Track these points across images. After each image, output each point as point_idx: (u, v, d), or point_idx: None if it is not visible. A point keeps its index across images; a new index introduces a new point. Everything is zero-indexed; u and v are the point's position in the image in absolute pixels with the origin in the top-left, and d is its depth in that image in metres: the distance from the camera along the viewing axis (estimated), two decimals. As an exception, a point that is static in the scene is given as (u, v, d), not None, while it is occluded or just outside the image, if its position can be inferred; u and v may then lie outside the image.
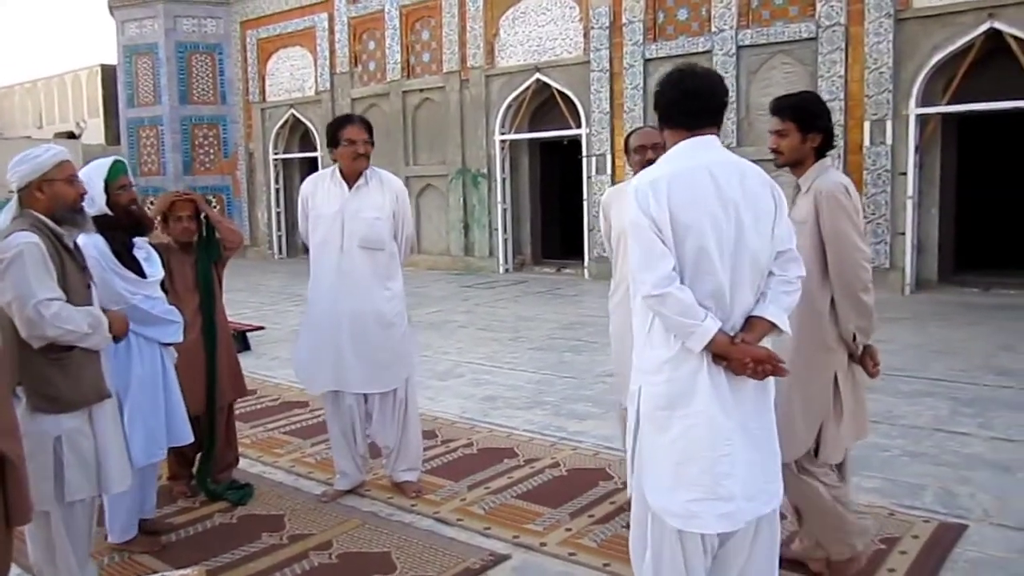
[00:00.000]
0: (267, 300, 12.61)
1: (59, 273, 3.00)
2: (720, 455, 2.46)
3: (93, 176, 3.59)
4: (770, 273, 2.57)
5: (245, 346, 8.48)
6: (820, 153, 3.27)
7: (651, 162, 3.76)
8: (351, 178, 4.34)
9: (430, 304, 11.80)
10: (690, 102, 2.56)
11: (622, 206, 3.98)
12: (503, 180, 15.77)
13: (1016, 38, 10.43)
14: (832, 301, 3.17)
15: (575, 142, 14.83)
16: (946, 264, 12.12)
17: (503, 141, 15.64)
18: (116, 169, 3.65)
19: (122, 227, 3.65)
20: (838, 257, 3.13)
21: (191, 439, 3.93)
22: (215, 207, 19.70)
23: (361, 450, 4.47)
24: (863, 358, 3.27)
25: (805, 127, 3.23)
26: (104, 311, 3.15)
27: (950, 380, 6.66)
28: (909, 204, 11.37)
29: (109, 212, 3.60)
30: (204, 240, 4.40)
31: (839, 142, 11.61)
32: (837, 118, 11.60)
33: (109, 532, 3.76)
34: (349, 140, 4.26)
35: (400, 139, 17.06)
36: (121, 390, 3.54)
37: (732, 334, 2.46)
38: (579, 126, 14.34)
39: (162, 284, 3.87)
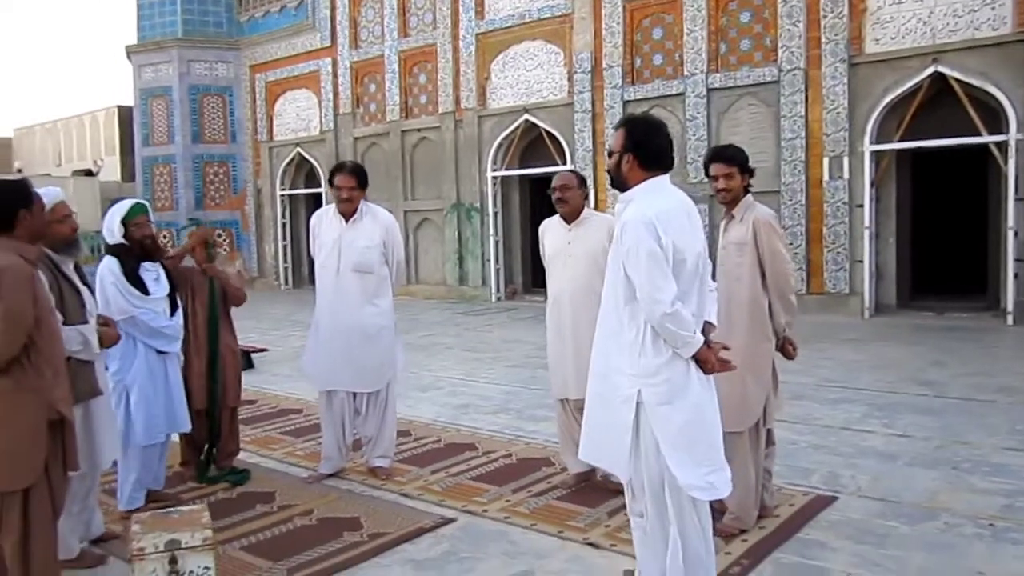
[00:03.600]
0: (272, 326, 13.51)
1: (57, 295, 3.72)
2: (715, 433, 3.19)
3: (115, 213, 4.59)
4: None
5: (249, 364, 9.36)
6: (745, 191, 4.28)
7: (559, 200, 4.78)
8: (346, 215, 5.23)
9: (423, 329, 12.69)
10: (670, 150, 3.27)
11: (554, 234, 4.96)
12: (495, 214, 16.72)
13: (958, 80, 11.36)
14: (769, 303, 4.16)
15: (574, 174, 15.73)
16: (904, 290, 12.96)
17: (495, 177, 16.62)
18: (135, 209, 4.60)
19: (133, 254, 4.56)
20: (773, 269, 4.14)
21: (188, 428, 4.86)
22: (224, 240, 20.84)
23: (347, 440, 5.33)
24: (785, 346, 4.27)
25: (743, 170, 4.25)
26: (103, 322, 3.95)
27: (874, 390, 7.47)
28: (866, 234, 12.24)
29: (124, 242, 4.54)
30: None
31: (801, 177, 12.56)
32: (798, 155, 12.57)
33: (119, 502, 4.64)
34: (338, 187, 5.18)
35: (399, 175, 18.07)
36: (129, 384, 4.51)
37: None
38: (564, 163, 15.29)
39: (176, 298, 4.78)
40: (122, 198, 4.85)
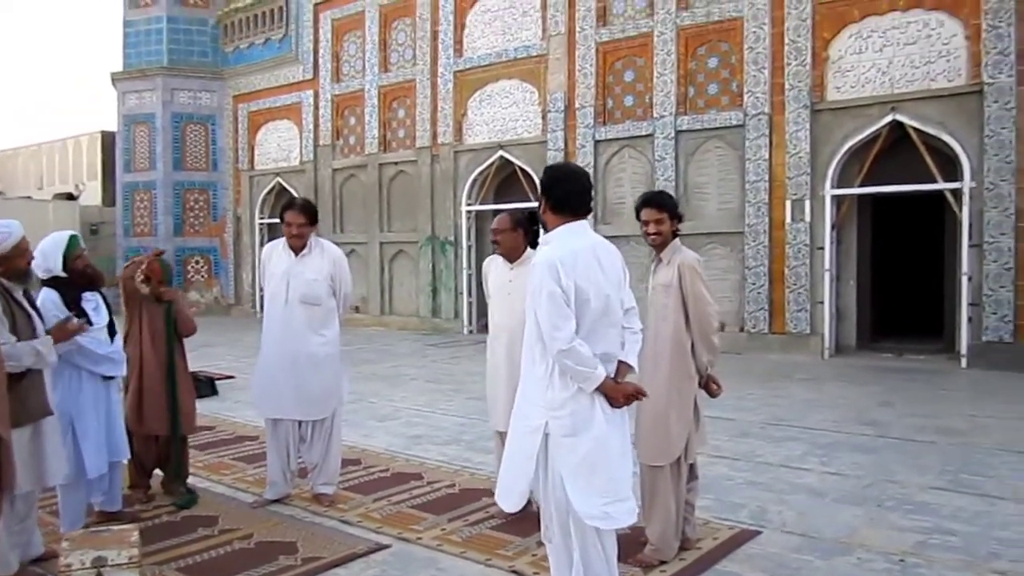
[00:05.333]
0: (243, 353, 13.58)
1: (10, 319, 3.92)
2: (616, 465, 3.33)
3: (53, 249, 4.65)
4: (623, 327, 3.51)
5: (213, 391, 9.48)
6: (674, 235, 4.48)
7: (494, 242, 4.98)
8: (296, 249, 5.41)
9: (391, 359, 12.83)
10: (584, 196, 3.44)
11: (496, 272, 5.16)
12: (469, 247, 16.94)
13: (916, 129, 11.73)
14: (693, 343, 4.34)
15: (534, 213, 16.00)
16: (864, 331, 13.23)
17: (469, 211, 16.88)
18: (72, 243, 4.70)
19: (76, 284, 4.67)
20: (696, 310, 4.32)
21: (127, 456, 4.97)
22: (202, 266, 20.90)
23: (292, 466, 5.47)
24: (708, 384, 4.45)
25: (673, 216, 4.46)
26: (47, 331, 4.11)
27: (819, 429, 7.67)
28: (827, 276, 12.52)
29: (63, 275, 4.63)
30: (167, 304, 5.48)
31: (764, 219, 12.86)
32: (762, 197, 12.89)
33: (61, 523, 4.73)
34: (288, 223, 5.36)
35: (376, 208, 18.29)
36: (74, 415, 4.58)
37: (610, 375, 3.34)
38: (537, 199, 15.52)
39: (114, 327, 4.89)
40: (59, 231, 4.91)
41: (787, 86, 12.73)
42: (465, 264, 16.87)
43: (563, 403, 3.25)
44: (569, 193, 3.38)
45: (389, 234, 18.21)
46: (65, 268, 4.65)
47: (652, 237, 4.49)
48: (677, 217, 4.50)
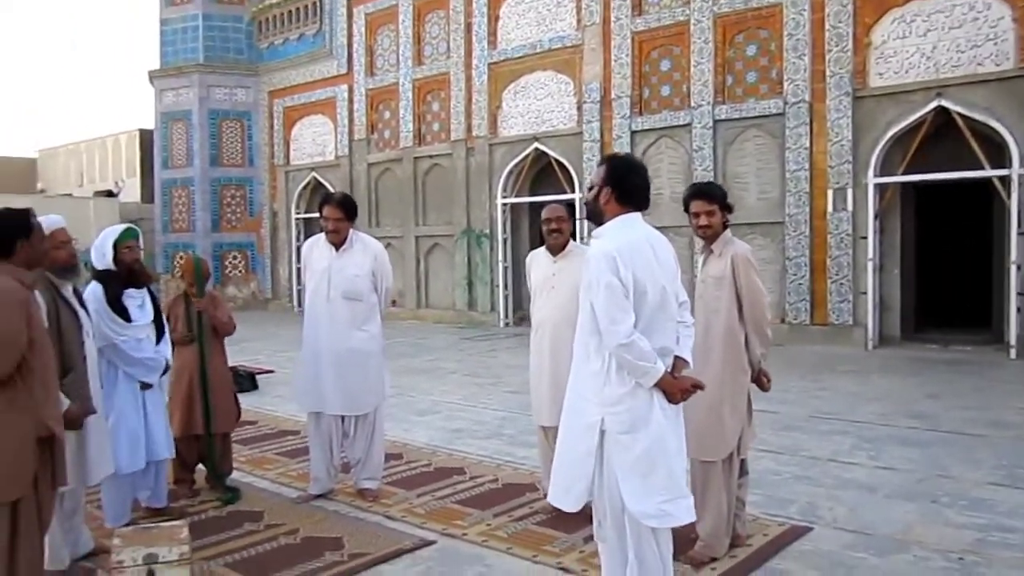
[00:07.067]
0: (281, 348, 13.70)
1: (54, 317, 3.88)
2: (676, 462, 3.28)
3: (108, 236, 4.73)
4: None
5: (254, 386, 9.54)
6: (724, 227, 4.38)
7: (553, 231, 4.90)
8: (336, 244, 5.39)
9: (428, 353, 12.84)
10: (648, 189, 3.42)
11: (540, 265, 5.10)
12: (504, 240, 16.92)
13: (961, 115, 11.46)
14: (746, 335, 4.26)
15: (570, 206, 15.95)
16: (908, 322, 12.99)
17: (504, 204, 16.83)
18: (126, 234, 4.77)
19: (120, 279, 4.69)
20: (751, 302, 4.23)
21: (168, 455, 4.96)
22: (239, 261, 21.12)
23: (335, 462, 5.47)
24: (759, 377, 4.36)
25: (723, 207, 4.36)
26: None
27: (866, 422, 7.52)
28: (870, 266, 12.30)
29: (112, 267, 4.67)
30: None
31: (805, 208, 12.66)
32: (803, 186, 12.68)
33: (105, 518, 4.78)
34: (325, 218, 5.33)
35: (411, 201, 18.32)
36: (108, 411, 4.55)
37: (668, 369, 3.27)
38: (573, 191, 15.47)
39: (163, 324, 4.92)
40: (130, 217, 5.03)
41: (828, 73, 12.50)
42: (501, 257, 16.84)
43: (620, 399, 3.19)
44: (637, 185, 3.34)
45: (424, 228, 18.23)
46: (115, 259, 4.67)
47: (703, 229, 4.39)
48: (727, 208, 4.40)
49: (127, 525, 4.51)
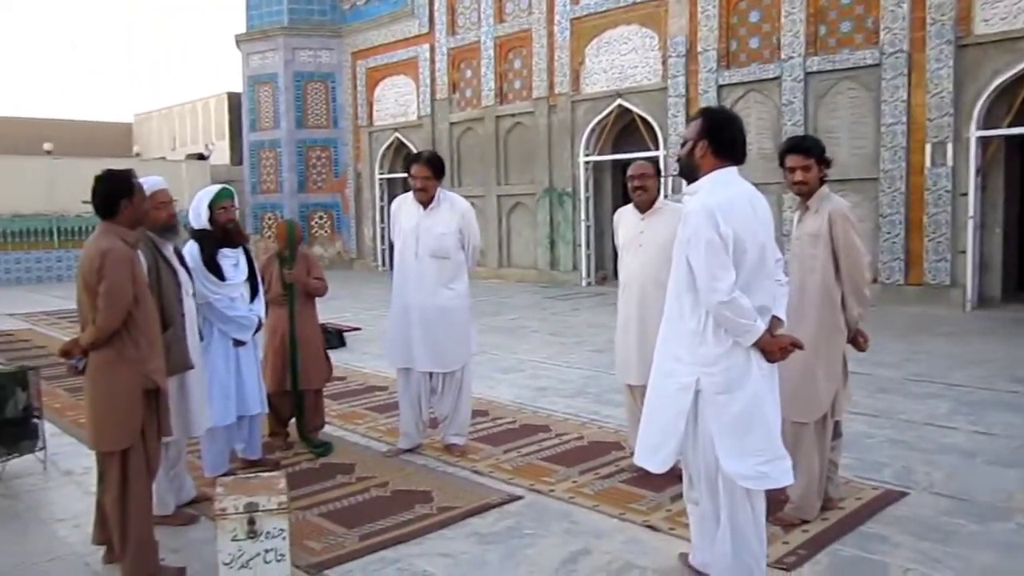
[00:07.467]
0: (366, 306, 13.98)
1: (155, 275, 4.03)
2: (773, 423, 3.24)
3: (203, 197, 4.87)
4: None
5: (342, 343, 9.76)
6: (821, 182, 4.24)
7: (637, 188, 4.82)
8: (423, 203, 5.43)
9: (511, 312, 12.91)
10: (744, 143, 3.33)
11: (627, 222, 5.03)
12: (587, 199, 16.78)
13: (1076, 63, 10.78)
14: (842, 295, 4.15)
15: (656, 163, 15.67)
16: (1010, 282, 12.43)
17: (587, 162, 16.67)
18: (221, 194, 4.89)
19: (215, 239, 4.82)
20: (848, 261, 4.11)
21: (260, 410, 5.11)
22: (325, 221, 21.55)
23: (424, 417, 5.56)
24: (856, 338, 4.26)
25: (820, 161, 4.22)
26: None
27: (964, 385, 7.25)
28: (970, 224, 11.76)
29: (207, 227, 4.81)
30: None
31: (901, 164, 12.16)
32: (899, 141, 12.16)
33: (204, 468, 4.97)
34: (413, 176, 5.37)
35: (493, 161, 18.31)
36: (204, 367, 4.70)
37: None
38: (657, 148, 15.20)
39: (257, 283, 5.07)
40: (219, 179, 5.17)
41: (928, 20, 11.88)
42: (583, 216, 16.73)
43: (717, 359, 3.14)
44: (735, 138, 3.26)
45: (506, 187, 18.22)
46: (211, 220, 4.80)
47: (798, 185, 4.25)
48: (824, 163, 4.24)
49: (224, 475, 4.69)
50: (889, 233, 12.40)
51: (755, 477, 3.15)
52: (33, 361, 7.44)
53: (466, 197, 5.75)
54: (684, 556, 3.73)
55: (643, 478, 4.84)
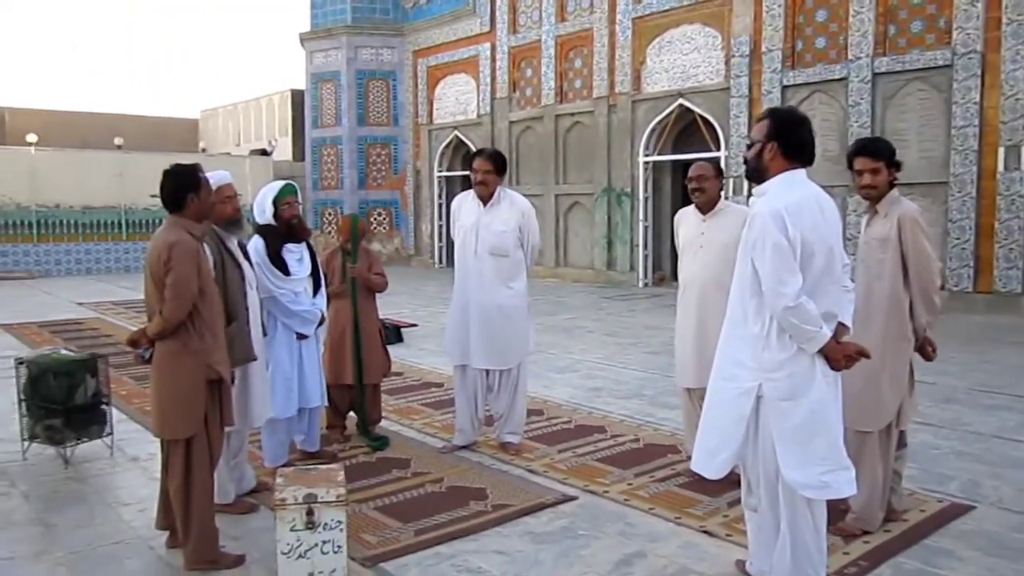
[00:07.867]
0: (423, 303, 14.09)
1: (219, 268, 4.10)
2: (837, 431, 3.18)
3: (268, 193, 4.96)
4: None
5: (399, 339, 9.85)
6: (891, 186, 4.14)
7: (695, 190, 4.78)
8: (485, 198, 5.45)
9: (567, 311, 12.88)
10: (813, 144, 3.28)
11: (688, 223, 4.98)
12: (646, 199, 16.67)
13: None
14: (910, 301, 4.04)
15: (717, 164, 15.49)
16: (1086, 292, 11.95)
17: (647, 162, 16.55)
18: (284, 190, 4.97)
19: (279, 234, 4.90)
20: (918, 267, 4.00)
21: (320, 403, 5.19)
22: (384, 218, 21.75)
23: (479, 414, 5.58)
24: (924, 346, 4.14)
25: (890, 164, 4.12)
26: None
27: (1036, 398, 7.02)
28: (1045, 230, 11.38)
29: (272, 222, 4.89)
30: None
31: (972, 168, 11.81)
32: (971, 144, 11.81)
33: (264, 459, 5.08)
34: (475, 170, 5.40)
35: (552, 160, 18.29)
36: (268, 361, 4.79)
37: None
38: (719, 149, 15.01)
39: (320, 278, 5.14)
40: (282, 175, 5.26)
41: (1004, 20, 11.51)
42: (641, 216, 16.62)
43: (781, 364, 3.08)
44: (804, 139, 3.19)
45: (565, 186, 18.19)
46: (275, 215, 4.89)
47: (866, 189, 4.14)
48: (894, 165, 4.13)
49: (284, 466, 4.76)
50: (958, 239, 12.05)
51: (817, 487, 3.09)
52: (102, 349, 7.66)
53: (524, 196, 5.75)
54: (741, 563, 3.68)
55: (699, 482, 4.77)
